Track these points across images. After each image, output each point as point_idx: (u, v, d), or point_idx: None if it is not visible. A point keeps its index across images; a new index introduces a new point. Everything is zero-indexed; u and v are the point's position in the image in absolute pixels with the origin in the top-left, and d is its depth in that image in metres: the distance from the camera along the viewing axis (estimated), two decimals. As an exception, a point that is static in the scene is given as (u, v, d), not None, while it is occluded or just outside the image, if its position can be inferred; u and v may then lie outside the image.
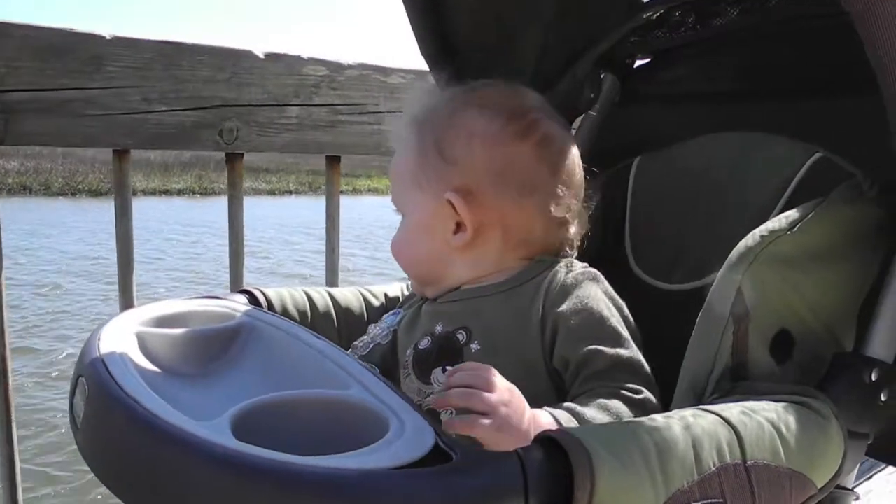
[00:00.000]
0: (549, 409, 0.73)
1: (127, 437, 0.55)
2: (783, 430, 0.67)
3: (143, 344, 0.78)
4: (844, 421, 0.73)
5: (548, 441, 0.54)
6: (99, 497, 3.49)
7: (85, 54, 1.29)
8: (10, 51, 1.22)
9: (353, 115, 1.61)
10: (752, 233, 0.80)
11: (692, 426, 0.61)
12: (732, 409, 0.66)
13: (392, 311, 1.00)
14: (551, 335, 0.83)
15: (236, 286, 1.53)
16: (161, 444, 0.53)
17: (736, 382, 0.76)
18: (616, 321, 0.83)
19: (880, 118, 0.98)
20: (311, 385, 0.70)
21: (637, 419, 0.63)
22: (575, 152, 0.95)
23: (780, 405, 0.69)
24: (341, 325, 1.06)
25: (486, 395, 0.66)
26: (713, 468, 0.60)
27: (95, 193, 18.67)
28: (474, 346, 0.84)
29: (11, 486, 1.32)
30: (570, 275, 0.87)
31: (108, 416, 0.58)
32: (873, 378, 0.78)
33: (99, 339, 0.74)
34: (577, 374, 0.80)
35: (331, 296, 1.07)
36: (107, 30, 1.32)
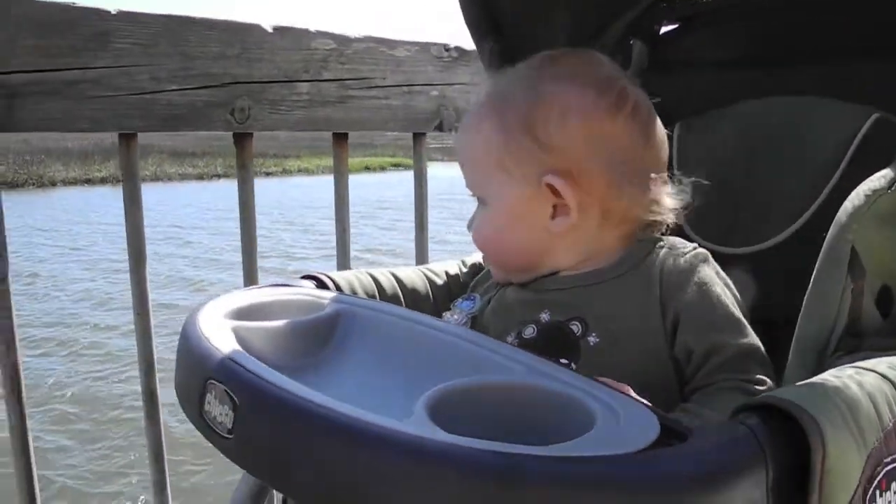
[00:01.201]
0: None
1: (322, 443, 0.51)
2: None
3: (243, 340, 0.72)
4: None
5: (766, 408, 0.53)
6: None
7: (89, 31, 1.20)
8: (10, 28, 1.12)
9: (362, 90, 1.56)
10: (856, 192, 0.81)
11: (863, 384, 0.61)
12: (881, 366, 0.66)
13: (465, 297, 0.97)
14: (672, 324, 0.80)
15: (250, 274, 1.47)
16: (373, 448, 0.49)
17: (855, 339, 0.77)
18: (734, 307, 0.82)
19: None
20: (451, 369, 0.67)
21: (814, 380, 0.62)
22: (658, 119, 0.93)
23: None
24: (409, 307, 1.02)
25: None
26: (890, 424, 0.60)
27: (12, 185, 17.70)
28: (592, 339, 0.81)
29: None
30: (684, 258, 0.84)
31: (286, 423, 0.53)
32: None
33: (204, 337, 0.69)
34: (702, 366, 0.78)
35: (396, 277, 1.03)
36: (109, 4, 1.23)
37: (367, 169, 20.91)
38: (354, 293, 0.98)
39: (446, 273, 1.09)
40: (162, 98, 1.27)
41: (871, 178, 0.82)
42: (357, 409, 0.52)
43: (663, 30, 1.33)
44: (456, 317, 0.93)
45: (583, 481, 0.44)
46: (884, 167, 0.92)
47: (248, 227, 1.45)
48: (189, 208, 14.14)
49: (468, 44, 1.77)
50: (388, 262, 8.45)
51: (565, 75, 0.87)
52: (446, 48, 1.72)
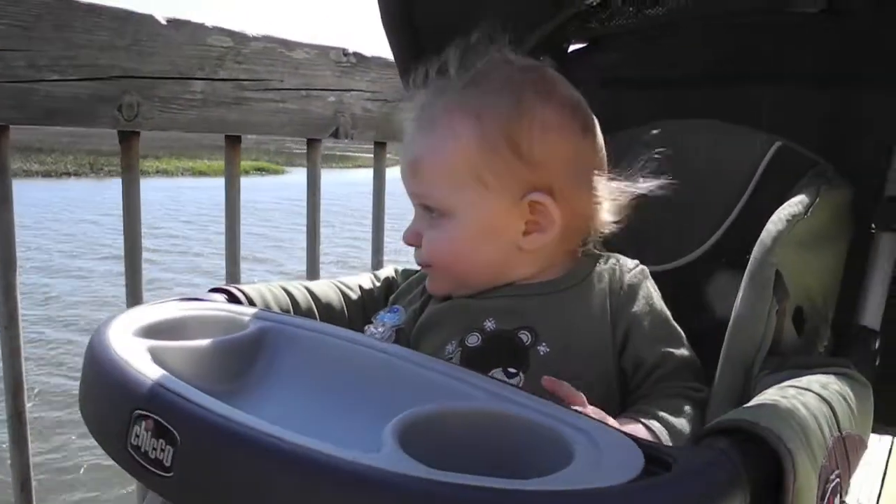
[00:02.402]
0: (642, 419, 0.73)
1: (288, 482, 0.46)
2: (849, 399, 0.71)
3: (161, 362, 0.65)
4: (869, 386, 0.80)
5: (736, 432, 0.53)
6: None
7: (-45, 7, 1.06)
8: None
9: (259, 92, 1.48)
10: (777, 217, 0.84)
11: (808, 405, 0.63)
12: (814, 385, 0.69)
13: (388, 309, 0.93)
14: (623, 335, 0.82)
15: (133, 280, 1.35)
16: (350, 487, 0.44)
17: (777, 357, 0.80)
18: (673, 320, 0.86)
19: (839, 111, 1.07)
20: (399, 393, 0.63)
21: (765, 401, 0.63)
22: None
23: (835, 377, 0.74)
24: (323, 322, 0.96)
25: None
26: (831, 442, 0.62)
27: None
28: (542, 349, 0.80)
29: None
30: (631, 273, 0.87)
31: (244, 461, 0.47)
32: (876, 346, 0.86)
33: (122, 360, 0.61)
34: (650, 375, 0.81)
35: (310, 291, 0.98)
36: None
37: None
38: (268, 307, 0.92)
39: (360, 287, 1.05)
40: (40, 88, 1.14)
41: (789, 202, 0.86)
42: (320, 441, 0.47)
43: (572, 47, 1.35)
44: (380, 329, 0.89)
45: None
46: (786, 192, 0.97)
47: (132, 234, 1.33)
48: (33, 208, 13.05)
49: (367, 49, 1.74)
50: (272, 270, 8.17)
51: (544, 91, 0.86)
52: (345, 53, 1.67)
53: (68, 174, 19.29)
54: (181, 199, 14.69)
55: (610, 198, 0.89)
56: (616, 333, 0.82)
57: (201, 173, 20.56)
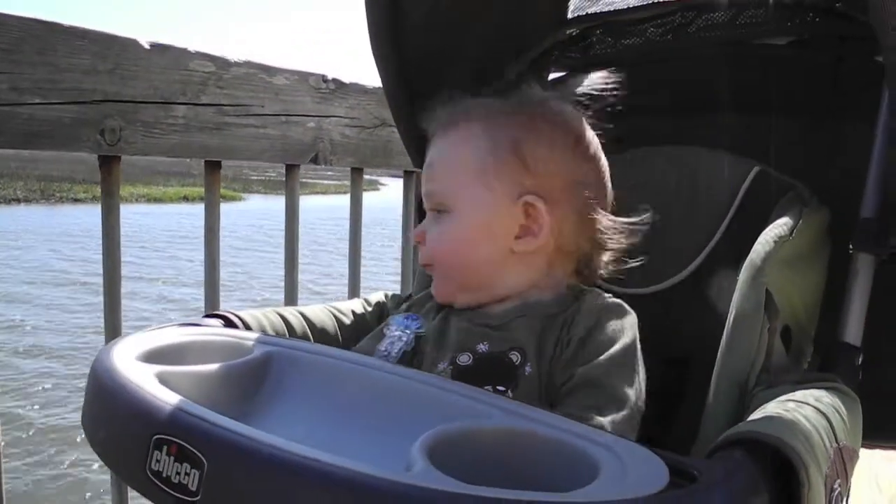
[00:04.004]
0: None
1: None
2: (842, 413, 0.74)
3: (169, 386, 0.65)
4: (856, 401, 0.83)
5: (751, 443, 0.55)
6: None
7: (-63, 30, 1.04)
8: None
9: (240, 117, 1.48)
10: (764, 238, 0.87)
11: (808, 417, 0.65)
12: (809, 399, 0.71)
13: (406, 315, 0.94)
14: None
15: (112, 305, 1.33)
16: None
17: (767, 374, 0.82)
18: (627, 356, 0.82)
19: (810, 138, 1.12)
20: (415, 412, 0.63)
21: (769, 413, 0.65)
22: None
23: (826, 391, 0.76)
24: None
25: None
26: (831, 452, 0.65)
27: None
28: (527, 369, 0.82)
29: None
30: (605, 307, 0.86)
31: (278, 483, 0.47)
32: (859, 362, 0.89)
33: (136, 385, 0.61)
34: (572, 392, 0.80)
35: (304, 316, 0.97)
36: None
37: (186, 199, 19.93)
38: (264, 332, 0.91)
39: (353, 312, 1.05)
40: (22, 112, 1.13)
41: (775, 224, 0.90)
42: (354, 461, 0.48)
43: (553, 75, 1.39)
44: (399, 333, 0.90)
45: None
46: (766, 215, 1.01)
47: (112, 260, 1.31)
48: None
49: (346, 76, 1.75)
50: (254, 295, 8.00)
51: (558, 119, 0.92)
52: (325, 79, 1.68)
53: (17, 200, 18.80)
54: (146, 224, 14.40)
55: (607, 235, 0.92)
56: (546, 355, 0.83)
57: (157, 200, 20.27)
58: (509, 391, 0.81)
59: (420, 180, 1.00)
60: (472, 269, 0.91)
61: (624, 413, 0.75)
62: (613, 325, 0.84)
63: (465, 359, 0.84)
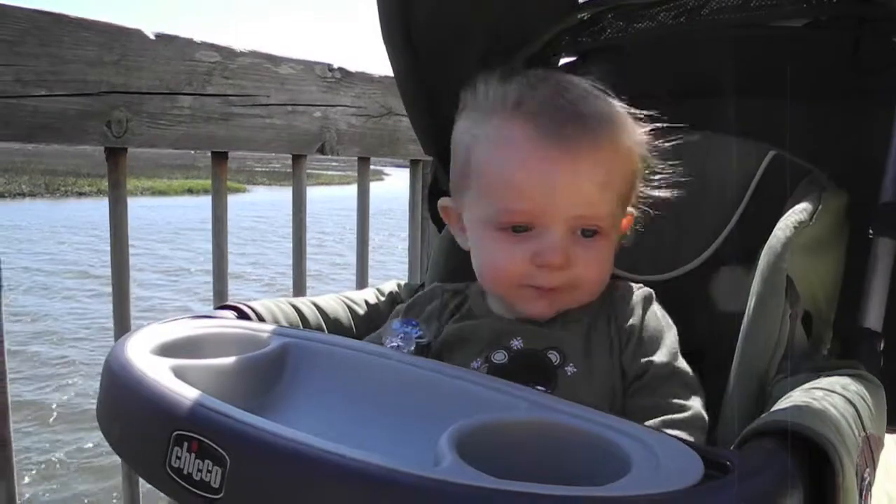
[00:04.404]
0: None
1: (353, 499, 0.45)
2: (868, 400, 0.72)
3: (186, 380, 0.64)
4: (881, 387, 0.82)
5: (782, 433, 0.54)
6: None
7: (-59, 22, 1.03)
8: None
9: (246, 107, 1.46)
10: (784, 223, 0.86)
11: (836, 406, 0.64)
12: (836, 387, 0.70)
13: (403, 321, 0.90)
14: (619, 352, 0.84)
15: (120, 299, 1.32)
16: (411, 502, 0.43)
17: (791, 362, 0.81)
18: (669, 336, 0.86)
19: (827, 122, 1.11)
20: (438, 405, 0.62)
21: (798, 402, 0.64)
22: None
23: (850, 379, 0.75)
24: None
25: None
26: (860, 441, 0.63)
27: None
28: (570, 369, 0.81)
29: None
30: (635, 295, 0.89)
31: (303, 478, 0.46)
32: (881, 348, 0.88)
33: (153, 380, 0.60)
34: (630, 386, 0.82)
35: (317, 306, 0.96)
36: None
37: (190, 192, 19.92)
38: (277, 323, 0.90)
39: (366, 302, 1.04)
40: (28, 104, 1.11)
41: (794, 210, 0.88)
42: (382, 456, 0.46)
43: (562, 61, 1.37)
44: (398, 341, 0.87)
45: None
46: (782, 200, 0.99)
47: (120, 253, 1.30)
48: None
49: (351, 65, 1.74)
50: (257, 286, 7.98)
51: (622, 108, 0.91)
52: (330, 68, 1.67)
53: (23, 195, 18.70)
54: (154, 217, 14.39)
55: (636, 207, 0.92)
56: (614, 352, 0.84)
57: (161, 193, 20.26)
58: (549, 391, 0.80)
59: (427, 168, 0.96)
60: (597, 289, 0.88)
61: (698, 396, 0.80)
62: (657, 313, 0.88)
63: (500, 356, 0.83)
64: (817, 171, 1.03)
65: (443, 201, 0.98)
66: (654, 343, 0.84)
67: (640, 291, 0.90)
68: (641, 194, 0.94)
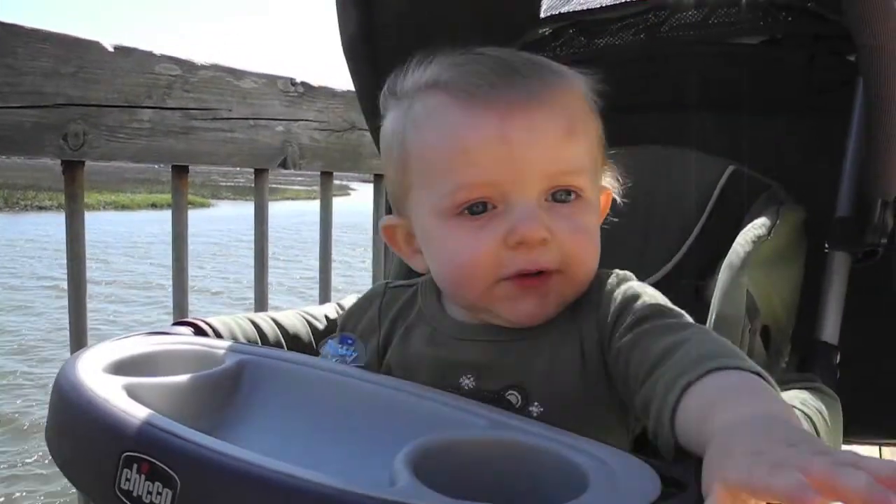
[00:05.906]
0: None
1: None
2: (824, 414, 0.73)
3: (139, 400, 0.62)
4: (835, 400, 0.83)
5: None
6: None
7: None
8: None
9: (207, 121, 1.44)
10: (742, 238, 0.87)
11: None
12: (795, 401, 0.71)
13: (339, 339, 0.81)
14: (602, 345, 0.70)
15: (77, 313, 1.29)
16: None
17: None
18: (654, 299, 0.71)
19: (784, 137, 1.12)
20: (395, 423, 0.61)
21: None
22: None
23: (808, 393, 0.76)
24: None
25: None
26: None
27: None
28: (535, 409, 0.68)
29: None
30: (610, 281, 0.74)
31: (251, 499, 0.45)
32: (836, 361, 0.89)
33: (102, 399, 0.58)
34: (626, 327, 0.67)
35: (277, 322, 0.95)
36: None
37: (154, 206, 19.60)
38: (235, 339, 0.88)
39: (326, 317, 1.02)
40: (-19, 116, 1.09)
41: (753, 225, 0.89)
42: (335, 476, 0.46)
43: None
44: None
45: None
46: (741, 214, 1.01)
47: (76, 267, 1.27)
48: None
49: (314, 79, 1.73)
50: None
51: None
52: (293, 83, 1.66)
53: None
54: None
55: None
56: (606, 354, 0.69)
57: (124, 207, 19.91)
58: None
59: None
60: (591, 276, 0.73)
61: (684, 316, 0.66)
62: (631, 286, 0.73)
63: None
64: (776, 186, 1.04)
65: (385, 220, 0.84)
66: (635, 300, 0.70)
67: (617, 273, 0.76)
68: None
